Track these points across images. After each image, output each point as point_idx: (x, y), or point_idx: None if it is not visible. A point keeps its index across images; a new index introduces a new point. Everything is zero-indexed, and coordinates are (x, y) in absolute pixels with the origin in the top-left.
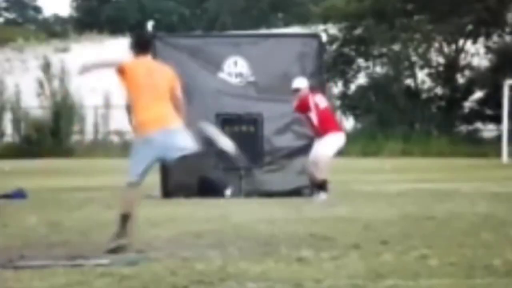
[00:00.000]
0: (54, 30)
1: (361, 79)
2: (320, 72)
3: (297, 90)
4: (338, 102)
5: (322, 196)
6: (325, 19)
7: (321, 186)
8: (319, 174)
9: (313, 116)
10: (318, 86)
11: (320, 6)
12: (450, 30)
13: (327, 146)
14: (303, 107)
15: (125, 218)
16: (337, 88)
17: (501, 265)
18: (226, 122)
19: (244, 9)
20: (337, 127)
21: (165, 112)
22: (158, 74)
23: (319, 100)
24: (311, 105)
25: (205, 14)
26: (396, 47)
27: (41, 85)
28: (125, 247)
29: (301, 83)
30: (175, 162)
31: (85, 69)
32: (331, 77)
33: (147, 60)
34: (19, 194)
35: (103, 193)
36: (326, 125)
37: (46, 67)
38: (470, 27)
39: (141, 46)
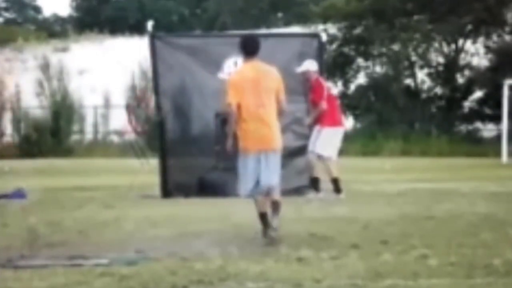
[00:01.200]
0: (54, 30)
1: (361, 79)
2: (321, 71)
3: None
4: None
5: (311, 194)
6: (324, 19)
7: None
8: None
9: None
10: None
11: (319, 5)
12: (449, 30)
13: (326, 146)
14: (319, 91)
15: (263, 216)
16: (336, 87)
17: (501, 265)
18: (225, 122)
19: (244, 8)
20: (339, 120)
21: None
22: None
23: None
24: (325, 88)
25: (205, 14)
26: (396, 46)
27: (40, 85)
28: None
29: (310, 65)
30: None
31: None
32: (331, 77)
33: (253, 65)
34: (19, 194)
35: (102, 193)
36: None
37: (45, 67)
38: (469, 27)
39: (247, 50)
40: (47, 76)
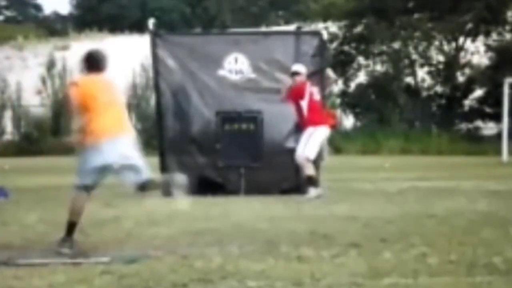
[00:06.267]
0: (54, 28)
1: (361, 77)
2: (321, 70)
3: (295, 74)
4: (338, 100)
5: (312, 192)
6: (325, 17)
7: (309, 182)
8: (306, 170)
9: (304, 105)
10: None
11: (320, 4)
12: (450, 28)
13: (310, 144)
14: (298, 94)
15: None
16: (337, 86)
17: (501, 263)
18: (225, 120)
19: (244, 7)
20: (324, 120)
21: None
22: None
23: (315, 91)
24: (306, 93)
25: (206, 12)
26: (396, 45)
27: (43, 82)
28: None
29: (300, 68)
30: None
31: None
32: None
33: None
34: (0, 193)
35: (102, 191)
36: (314, 117)
37: (50, 65)
38: (470, 25)
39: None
40: (50, 74)
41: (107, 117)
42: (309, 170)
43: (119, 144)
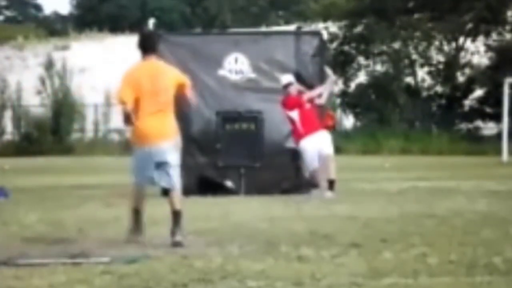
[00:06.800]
0: (54, 28)
1: (362, 77)
2: (321, 69)
3: (288, 85)
4: (338, 100)
5: (329, 194)
6: (325, 17)
7: (331, 185)
8: (330, 174)
9: (295, 115)
10: (316, 83)
11: (320, 4)
12: (450, 28)
13: (330, 146)
14: (289, 104)
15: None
16: (337, 86)
17: (501, 263)
18: (226, 120)
19: (244, 7)
20: (319, 125)
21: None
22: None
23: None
24: (297, 103)
25: (206, 12)
26: (396, 45)
27: (43, 82)
28: None
29: (288, 78)
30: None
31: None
32: None
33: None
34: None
35: (102, 191)
36: (308, 126)
37: (48, 65)
38: (470, 25)
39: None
40: (49, 74)
41: (151, 120)
42: (333, 174)
43: (159, 149)
